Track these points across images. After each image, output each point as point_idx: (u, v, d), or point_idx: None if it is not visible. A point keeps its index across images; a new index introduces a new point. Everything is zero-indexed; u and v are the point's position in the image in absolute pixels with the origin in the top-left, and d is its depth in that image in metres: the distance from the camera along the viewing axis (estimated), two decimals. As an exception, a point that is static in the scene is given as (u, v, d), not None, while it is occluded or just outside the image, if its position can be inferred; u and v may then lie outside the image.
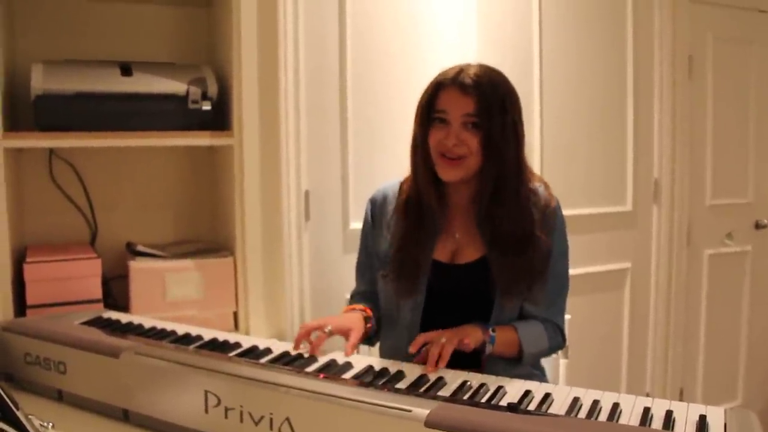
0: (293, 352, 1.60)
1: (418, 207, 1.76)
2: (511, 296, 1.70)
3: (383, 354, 1.84)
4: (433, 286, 1.75)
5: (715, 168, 3.29)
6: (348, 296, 1.99)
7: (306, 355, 1.58)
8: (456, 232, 1.77)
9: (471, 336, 1.59)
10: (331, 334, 1.64)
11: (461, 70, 1.67)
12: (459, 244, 1.77)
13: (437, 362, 1.50)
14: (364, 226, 1.91)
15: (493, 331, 1.66)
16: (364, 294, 1.91)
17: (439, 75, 1.70)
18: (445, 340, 1.54)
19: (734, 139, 3.35)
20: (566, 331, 1.84)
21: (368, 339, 1.85)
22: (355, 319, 1.73)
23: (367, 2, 2.37)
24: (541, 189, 1.76)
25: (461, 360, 1.56)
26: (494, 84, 1.66)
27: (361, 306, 1.82)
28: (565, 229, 1.79)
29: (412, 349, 1.56)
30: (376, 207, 1.87)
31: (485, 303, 1.72)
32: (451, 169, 1.67)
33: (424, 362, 1.54)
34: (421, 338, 1.58)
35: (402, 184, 1.84)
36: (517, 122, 1.68)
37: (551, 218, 1.74)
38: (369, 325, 1.78)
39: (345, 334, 1.66)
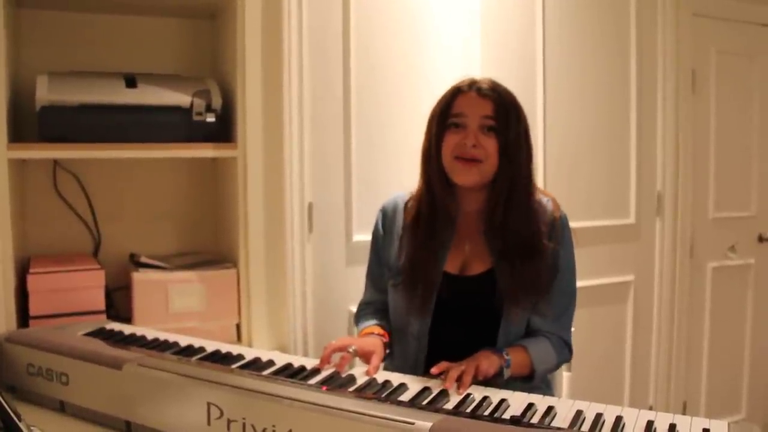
0: (297, 365, 1.59)
1: (431, 218, 1.76)
2: (518, 308, 1.70)
3: (391, 365, 1.83)
4: (443, 297, 1.74)
5: (718, 181, 3.28)
6: (353, 309, 1.98)
7: (309, 368, 1.58)
8: (465, 243, 1.77)
9: (488, 364, 1.58)
10: (355, 353, 1.63)
11: (476, 80, 1.72)
12: (468, 256, 1.77)
13: (459, 388, 1.48)
14: (374, 234, 1.90)
15: (507, 354, 1.64)
16: (374, 304, 1.90)
17: (454, 84, 1.74)
18: (463, 368, 1.51)
19: (737, 153, 3.35)
20: (572, 344, 1.84)
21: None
22: (377, 343, 1.71)
23: (372, 15, 2.38)
24: (547, 201, 1.77)
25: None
26: (508, 92, 1.71)
27: (378, 330, 1.79)
28: (572, 244, 1.79)
29: (434, 371, 1.54)
30: (387, 216, 1.87)
31: (494, 315, 1.71)
32: (467, 172, 1.68)
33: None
34: (444, 364, 1.55)
35: (409, 200, 1.83)
36: (528, 133, 1.73)
37: (558, 230, 1.74)
38: (387, 351, 1.77)
39: (367, 356, 1.65)
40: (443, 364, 1.55)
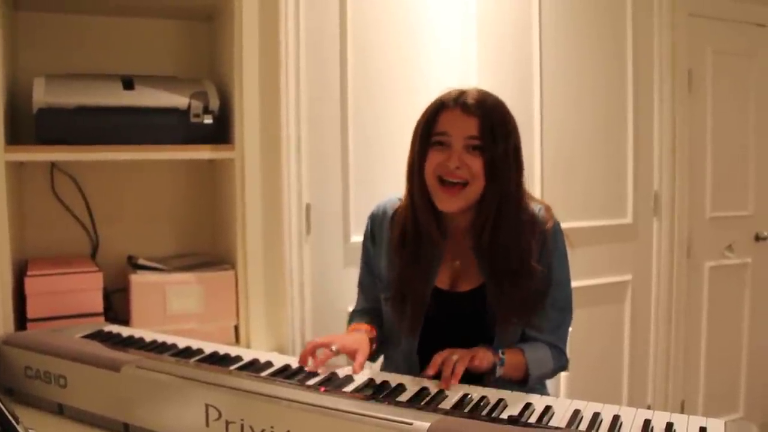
0: (295, 366, 1.60)
1: (416, 237, 1.71)
2: (509, 325, 1.68)
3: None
4: (433, 313, 1.72)
5: (715, 180, 3.29)
6: (350, 309, 1.98)
7: (307, 369, 1.58)
8: (455, 258, 1.74)
9: (482, 357, 1.57)
10: (337, 352, 1.61)
11: (462, 92, 1.64)
12: (458, 271, 1.74)
13: (451, 379, 1.48)
14: (364, 243, 1.88)
15: (503, 353, 1.63)
16: (365, 311, 1.89)
17: (439, 97, 1.66)
18: (457, 358, 1.51)
19: (734, 152, 3.36)
20: (567, 350, 1.83)
21: (371, 357, 1.81)
22: (361, 340, 1.69)
23: (369, 17, 2.38)
24: (539, 210, 1.72)
25: (464, 377, 1.54)
26: (497, 106, 1.64)
27: (365, 326, 1.78)
28: (566, 254, 1.74)
29: (430, 372, 1.52)
30: (375, 224, 1.84)
31: (486, 331, 1.69)
32: (450, 199, 1.63)
33: (435, 377, 1.52)
34: (438, 359, 1.54)
35: (398, 208, 1.79)
36: (518, 149, 1.66)
37: (549, 242, 1.70)
38: (374, 346, 1.76)
39: (351, 353, 1.63)
40: (437, 360, 1.53)
